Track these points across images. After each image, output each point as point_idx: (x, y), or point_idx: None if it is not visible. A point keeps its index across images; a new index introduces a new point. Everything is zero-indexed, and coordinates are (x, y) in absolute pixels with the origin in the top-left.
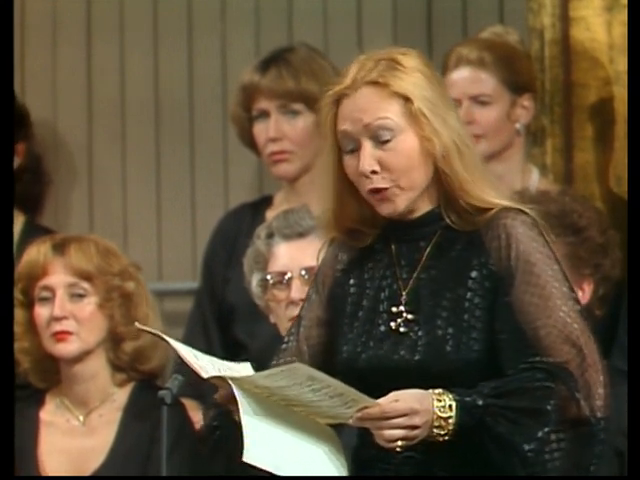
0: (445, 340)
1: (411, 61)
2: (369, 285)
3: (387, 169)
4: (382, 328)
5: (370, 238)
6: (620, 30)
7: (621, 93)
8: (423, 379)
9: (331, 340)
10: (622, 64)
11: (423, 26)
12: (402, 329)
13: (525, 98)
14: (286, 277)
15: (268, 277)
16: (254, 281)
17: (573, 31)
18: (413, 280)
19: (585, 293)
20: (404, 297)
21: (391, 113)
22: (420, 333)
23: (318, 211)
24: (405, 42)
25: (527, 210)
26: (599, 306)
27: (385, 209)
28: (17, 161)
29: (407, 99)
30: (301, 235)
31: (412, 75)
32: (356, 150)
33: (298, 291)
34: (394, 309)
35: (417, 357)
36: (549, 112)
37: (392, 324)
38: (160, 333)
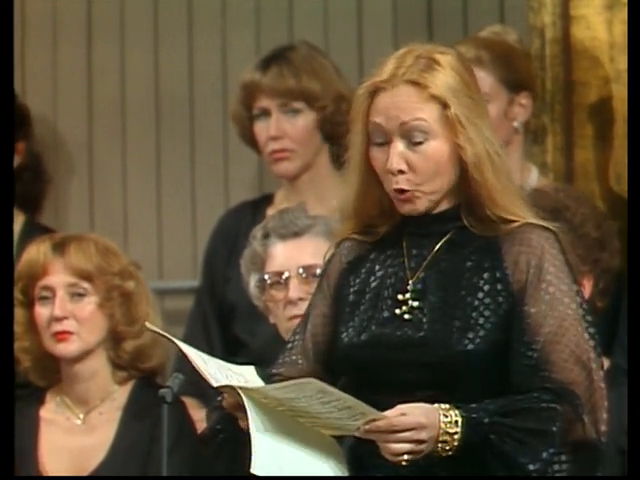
0: (451, 332)
1: (451, 62)
2: (374, 274)
3: (414, 171)
4: (385, 314)
5: (382, 233)
6: (620, 28)
7: (621, 92)
8: (425, 359)
9: (335, 338)
10: (622, 63)
11: (423, 26)
12: (407, 316)
13: (523, 96)
14: (284, 277)
15: (266, 277)
16: (252, 282)
17: (574, 29)
18: (422, 270)
19: (585, 289)
20: (410, 285)
21: (428, 116)
22: (425, 320)
23: (316, 209)
24: (405, 42)
25: (552, 227)
26: (600, 298)
27: (406, 208)
28: (17, 160)
29: (445, 104)
30: (297, 234)
31: (452, 78)
32: (385, 144)
33: (296, 290)
34: (400, 297)
35: (421, 334)
36: (550, 110)
37: (397, 310)
38: (170, 336)
